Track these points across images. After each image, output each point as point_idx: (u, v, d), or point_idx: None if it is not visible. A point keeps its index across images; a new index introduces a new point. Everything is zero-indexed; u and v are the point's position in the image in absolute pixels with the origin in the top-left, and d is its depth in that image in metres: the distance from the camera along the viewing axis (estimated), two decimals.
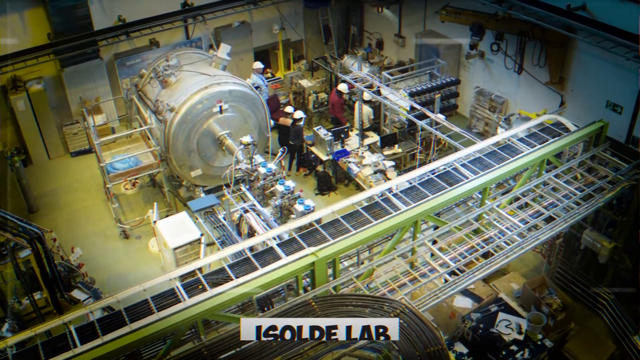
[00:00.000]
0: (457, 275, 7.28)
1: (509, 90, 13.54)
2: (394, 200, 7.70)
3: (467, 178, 8.01)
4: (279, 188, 9.64)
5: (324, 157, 12.35)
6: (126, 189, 12.99)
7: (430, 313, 9.53)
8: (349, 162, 11.95)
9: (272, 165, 10.10)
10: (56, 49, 13.20)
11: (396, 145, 12.42)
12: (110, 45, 13.84)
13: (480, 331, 8.83)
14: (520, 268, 10.90)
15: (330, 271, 6.99)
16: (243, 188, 9.76)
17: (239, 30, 15.22)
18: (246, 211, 9.17)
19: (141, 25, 13.71)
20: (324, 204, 12.11)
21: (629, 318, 9.41)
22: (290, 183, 9.73)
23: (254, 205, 9.31)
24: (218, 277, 7.10)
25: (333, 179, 12.67)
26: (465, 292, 9.42)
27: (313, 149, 12.59)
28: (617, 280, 10.02)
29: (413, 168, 10.87)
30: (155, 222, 9.82)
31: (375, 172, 11.54)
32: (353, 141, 12.67)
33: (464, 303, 9.30)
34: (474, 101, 14.09)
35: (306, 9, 16.06)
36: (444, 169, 8.29)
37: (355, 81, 11.71)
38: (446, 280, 7.30)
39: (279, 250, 7.15)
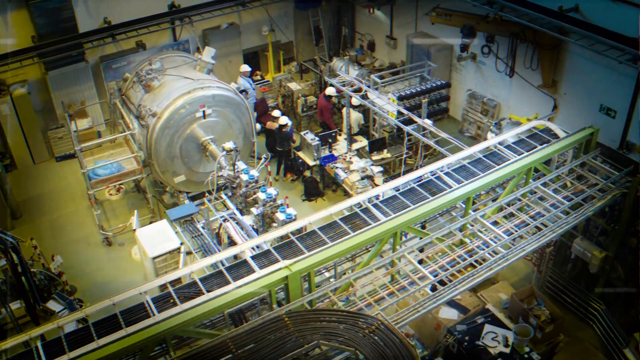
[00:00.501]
0: (438, 288, 7.05)
1: (502, 94, 13.26)
2: (374, 210, 7.45)
3: (450, 187, 7.77)
4: (261, 196, 9.42)
5: (311, 163, 12.11)
6: (110, 194, 12.78)
7: (415, 324, 9.32)
8: (336, 167, 11.71)
9: (254, 172, 9.88)
10: (41, 52, 12.99)
11: (385, 150, 12.16)
12: (95, 47, 13.61)
13: (465, 344, 8.58)
14: (511, 277, 10.64)
15: (307, 284, 6.79)
16: (223, 196, 9.53)
17: (227, 31, 14.98)
18: (225, 220, 8.94)
19: (127, 27, 13.48)
20: (311, 210, 11.93)
21: (620, 329, 9.16)
22: (272, 191, 9.50)
23: (234, 213, 9.08)
24: (190, 290, 6.90)
25: (321, 184, 12.43)
26: (451, 303, 9.18)
27: (300, 154, 12.35)
28: (609, 290, 9.77)
29: (406, 172, 10.62)
30: (135, 230, 9.63)
31: (362, 178, 11.29)
32: (341, 146, 12.42)
33: (449, 314, 9.06)
34: (466, 104, 13.81)
35: (296, 10, 15.80)
36: (427, 177, 8.03)
37: (342, 85, 11.44)
38: (432, 290, 7.08)
39: (252, 263, 6.93)
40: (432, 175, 8.00)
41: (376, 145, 12.11)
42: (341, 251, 6.78)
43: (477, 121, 13.59)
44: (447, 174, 8.04)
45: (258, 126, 12.52)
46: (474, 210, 7.83)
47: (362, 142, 12.52)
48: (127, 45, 14.12)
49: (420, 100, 12.21)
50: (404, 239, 7.60)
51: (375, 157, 12.06)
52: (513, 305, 9.14)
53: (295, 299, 6.59)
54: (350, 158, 11.92)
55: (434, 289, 7.08)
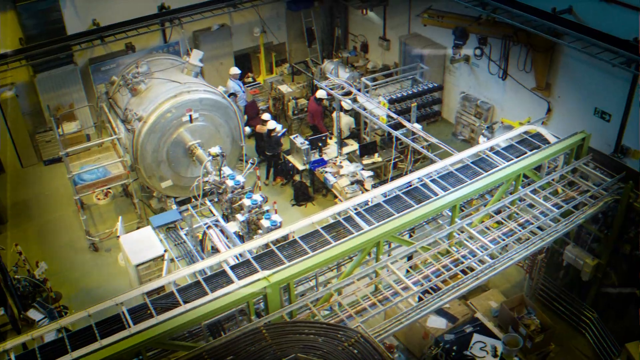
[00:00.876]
0: (424, 298, 6.87)
1: (495, 96, 13.06)
2: (357, 219, 7.27)
3: (437, 194, 7.58)
4: (246, 202, 9.22)
5: (300, 167, 11.93)
6: (98, 199, 12.62)
7: (402, 333, 9.14)
8: (326, 172, 11.53)
9: (240, 178, 9.70)
10: (28, 55, 12.83)
11: (376, 154, 11.96)
12: (84, 50, 13.46)
13: (453, 354, 8.39)
14: (502, 284, 10.46)
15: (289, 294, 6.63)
16: (207, 202, 9.35)
17: (218, 33, 14.80)
18: (209, 227, 8.77)
19: (116, 30, 13.31)
20: (300, 216, 11.75)
21: (612, 339, 8.96)
22: (257, 197, 9.31)
23: (218, 220, 8.90)
24: (167, 301, 6.75)
25: (310, 189, 12.24)
26: (440, 312, 8.99)
27: (290, 158, 12.17)
28: (602, 298, 9.57)
29: (394, 178, 10.44)
30: (119, 237, 9.48)
31: (352, 183, 11.11)
32: (331, 150, 12.24)
33: (437, 323, 8.87)
34: (460, 107, 13.62)
35: (288, 11, 15.61)
36: (413, 184, 7.85)
37: (331, 88, 11.26)
38: (419, 299, 6.90)
39: (231, 274, 6.76)
40: (419, 182, 7.81)
41: (367, 149, 11.92)
42: (321, 261, 6.61)
43: (471, 124, 13.39)
44: (433, 181, 7.85)
45: (248, 129, 12.36)
46: (462, 218, 7.66)
47: (353, 146, 12.34)
48: (116, 47, 13.95)
49: (411, 103, 12.04)
50: (392, 246, 7.40)
51: (366, 161, 11.88)
52: (503, 314, 8.95)
53: (275, 311, 6.44)
54: (341, 162, 11.74)
55: (420, 298, 6.92)
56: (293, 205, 12.17)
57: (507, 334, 8.56)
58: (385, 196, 7.84)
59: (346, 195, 10.88)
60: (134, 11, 13.55)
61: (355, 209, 7.38)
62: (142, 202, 11.82)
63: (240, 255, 7.50)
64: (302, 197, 12.08)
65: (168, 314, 6.18)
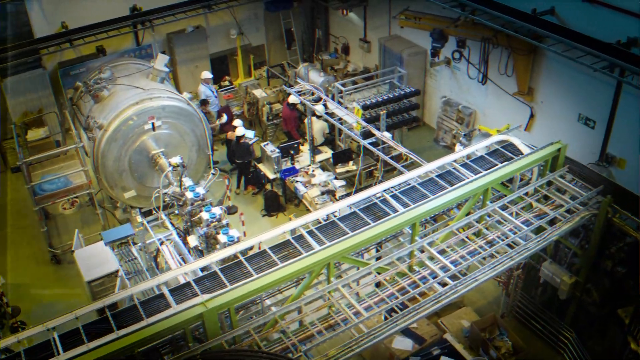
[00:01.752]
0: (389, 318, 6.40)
1: (477, 101, 12.53)
2: (308, 238, 6.79)
3: (396, 211, 7.09)
4: (204, 216, 8.79)
5: (271, 176, 11.46)
6: (64, 208, 12.21)
7: (368, 353, 8.66)
8: (297, 181, 11.05)
9: (200, 190, 9.26)
10: None
11: (351, 162, 11.47)
12: (52, 53, 13.03)
13: None
14: (478, 300, 9.96)
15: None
16: (163, 216, 8.92)
17: (193, 35, 14.34)
18: (162, 243, 8.34)
19: (85, 32, 12.88)
20: (270, 227, 11.27)
21: None
22: (216, 210, 8.88)
23: (172, 236, 8.47)
24: (100, 326, 6.34)
25: (282, 198, 11.77)
26: (407, 332, 8.52)
27: (261, 166, 11.70)
28: (582, 316, 9.06)
29: (363, 189, 9.94)
30: (73, 251, 9.08)
31: (322, 193, 10.63)
32: (304, 158, 11.76)
33: (403, 344, 8.40)
34: (441, 112, 13.09)
35: (267, 12, 15.13)
36: (372, 200, 7.36)
37: (302, 93, 10.78)
38: (385, 318, 6.44)
39: (169, 297, 6.32)
40: (377, 198, 7.32)
41: (341, 157, 11.43)
42: (265, 285, 6.16)
43: (453, 130, 12.85)
44: (394, 196, 7.35)
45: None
46: (430, 234, 7.17)
47: (327, 154, 11.85)
48: (87, 50, 13.52)
49: (388, 109, 11.54)
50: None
51: (339, 170, 11.40)
52: (473, 334, 8.46)
53: (214, 337, 6.00)
54: (313, 171, 11.26)
55: (387, 317, 6.47)
56: (264, 215, 11.70)
57: (476, 358, 8.06)
58: (348, 209, 7.38)
59: (316, 206, 10.41)
60: (104, 13, 13.09)
61: (307, 227, 6.90)
62: (110, 212, 11.40)
63: (194, 272, 7.10)
64: (273, 207, 11.60)
65: (100, 341, 5.78)
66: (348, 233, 6.81)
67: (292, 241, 6.81)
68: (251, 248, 7.11)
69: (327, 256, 6.36)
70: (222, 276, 6.52)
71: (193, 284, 6.49)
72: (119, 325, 6.14)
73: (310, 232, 6.88)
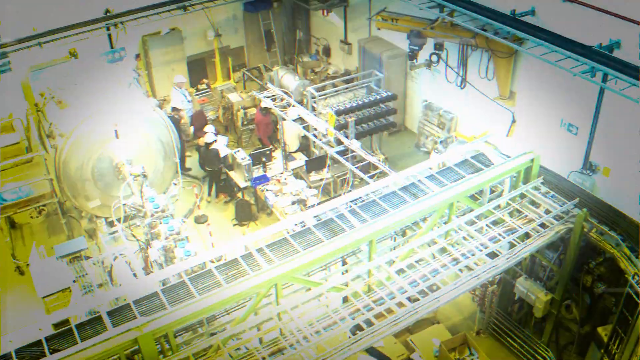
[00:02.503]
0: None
1: (457, 106, 12.06)
2: (257, 257, 6.40)
3: (354, 227, 6.68)
4: (162, 228, 8.44)
5: (242, 184, 11.06)
6: (32, 217, 11.85)
7: None
8: (267, 190, 10.64)
9: (160, 201, 8.88)
10: None
11: (324, 170, 11.04)
12: (21, 57, 12.65)
13: None
14: (454, 315, 9.53)
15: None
16: (119, 229, 8.55)
17: (168, 37, 13.94)
18: (115, 258, 7.96)
19: (55, 35, 12.49)
20: (240, 237, 10.88)
21: None
22: (175, 222, 8.52)
23: (126, 250, 8.09)
24: (36, 350, 6.00)
25: (254, 207, 11.36)
26: (372, 352, 8.12)
27: (231, 174, 11.30)
28: (562, 334, 8.64)
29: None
30: (28, 264, 8.74)
31: (293, 203, 10.22)
32: (277, 165, 11.35)
33: None
34: (422, 117, 12.63)
35: (246, 13, 14.71)
36: (328, 215, 6.95)
37: (271, 99, 10.36)
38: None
39: (106, 320, 5.96)
40: (335, 213, 6.91)
41: (314, 165, 11.01)
42: (208, 307, 5.80)
43: (434, 135, 12.39)
44: (351, 211, 6.94)
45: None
46: (391, 250, 6.77)
47: (300, 161, 11.43)
48: (60, 53, 13.14)
49: (364, 114, 11.12)
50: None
51: (313, 178, 10.98)
52: (442, 355, 8.03)
53: None
54: (285, 179, 10.84)
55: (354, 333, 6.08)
56: (235, 225, 11.30)
57: None
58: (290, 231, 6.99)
59: (286, 216, 10.00)
60: (75, 15, 12.70)
61: (255, 245, 6.51)
62: (76, 220, 11.04)
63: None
64: (244, 216, 11.20)
65: None
66: (300, 251, 6.42)
67: (240, 259, 6.42)
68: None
69: (274, 277, 5.98)
70: (163, 297, 6.14)
71: (132, 305, 6.12)
72: (54, 349, 5.85)
73: (259, 250, 6.49)
